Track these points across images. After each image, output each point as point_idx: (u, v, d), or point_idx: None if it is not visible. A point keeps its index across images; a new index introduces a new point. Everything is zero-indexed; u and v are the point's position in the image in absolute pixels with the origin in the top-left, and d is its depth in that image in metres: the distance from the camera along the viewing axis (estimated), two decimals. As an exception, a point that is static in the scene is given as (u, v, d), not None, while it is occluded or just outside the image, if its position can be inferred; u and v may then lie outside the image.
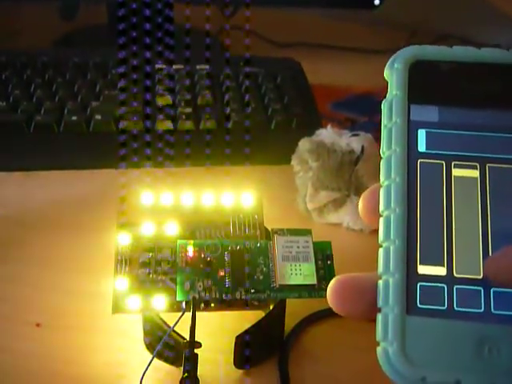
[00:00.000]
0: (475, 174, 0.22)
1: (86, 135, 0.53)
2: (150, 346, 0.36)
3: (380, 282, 0.21)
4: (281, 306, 0.35)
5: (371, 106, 0.63)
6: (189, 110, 0.56)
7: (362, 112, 0.62)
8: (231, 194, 0.38)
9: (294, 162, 0.49)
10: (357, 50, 0.74)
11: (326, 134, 0.49)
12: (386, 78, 0.24)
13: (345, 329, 0.38)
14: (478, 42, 0.71)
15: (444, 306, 0.20)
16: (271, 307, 0.35)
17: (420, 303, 0.20)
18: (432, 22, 0.77)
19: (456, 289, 0.20)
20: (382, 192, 0.22)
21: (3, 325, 0.38)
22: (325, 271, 0.35)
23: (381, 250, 0.21)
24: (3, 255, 0.43)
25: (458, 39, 0.74)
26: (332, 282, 0.22)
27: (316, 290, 0.34)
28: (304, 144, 0.48)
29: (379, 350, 0.20)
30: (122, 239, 0.36)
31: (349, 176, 0.46)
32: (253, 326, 0.34)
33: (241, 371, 0.35)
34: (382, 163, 0.22)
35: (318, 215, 0.47)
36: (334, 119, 0.59)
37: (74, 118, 0.54)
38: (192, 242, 0.35)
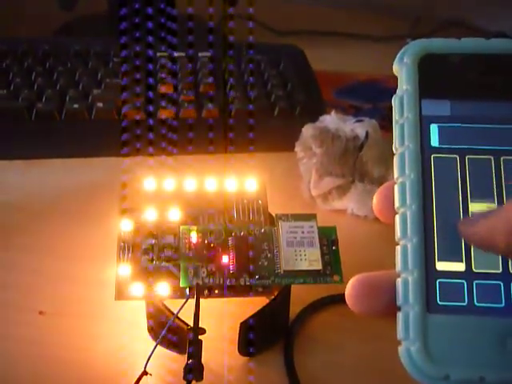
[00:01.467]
0: (490, 167, 0.22)
1: (88, 123, 0.53)
2: (154, 333, 0.35)
3: (399, 281, 0.21)
4: (285, 292, 0.35)
5: (375, 93, 0.63)
6: (191, 97, 0.55)
7: (365, 99, 0.62)
8: (234, 180, 0.37)
9: (297, 148, 0.48)
10: (360, 37, 0.73)
11: (330, 119, 0.48)
12: (396, 73, 0.23)
13: (350, 315, 0.37)
14: (482, 26, 0.70)
15: (464, 302, 0.20)
16: (276, 293, 0.35)
17: (440, 300, 0.20)
18: (435, 8, 0.76)
19: (476, 284, 0.20)
20: (396, 189, 0.22)
21: (6, 312, 0.38)
22: (330, 256, 0.34)
23: (398, 248, 0.21)
24: (6, 242, 0.42)
25: (463, 25, 0.74)
26: (350, 282, 0.22)
27: (321, 275, 0.34)
28: (308, 130, 0.48)
29: (401, 349, 0.20)
30: (125, 225, 0.35)
31: (353, 162, 0.46)
32: (257, 313, 0.34)
33: (245, 358, 0.35)
34: (396, 160, 0.22)
35: (322, 202, 0.46)
36: (338, 106, 0.59)
37: (76, 105, 0.53)
38: (195, 227, 0.35)
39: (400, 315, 0.20)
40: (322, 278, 0.34)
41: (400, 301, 0.20)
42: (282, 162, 0.51)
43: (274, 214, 0.36)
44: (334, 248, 0.35)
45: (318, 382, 0.35)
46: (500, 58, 0.23)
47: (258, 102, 0.55)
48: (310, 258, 0.34)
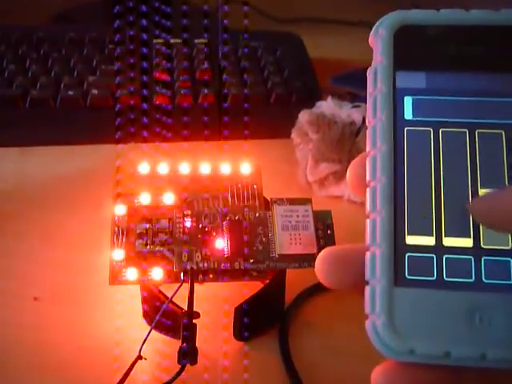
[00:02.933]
0: (464, 140, 0.21)
1: (83, 110, 0.53)
2: (149, 318, 0.35)
3: (367, 254, 0.20)
4: (280, 277, 0.35)
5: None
6: (187, 84, 0.55)
7: (363, 86, 0.60)
8: (229, 164, 0.37)
9: (294, 134, 0.48)
10: (358, 24, 0.73)
11: (327, 105, 0.48)
12: (371, 44, 0.23)
13: (345, 300, 0.37)
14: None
15: (433, 276, 0.20)
16: (270, 278, 0.34)
17: (408, 274, 0.20)
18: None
19: (445, 258, 0.20)
20: (368, 162, 0.21)
21: (1, 299, 0.37)
22: (325, 240, 0.34)
23: (368, 221, 0.21)
24: (1, 229, 0.42)
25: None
26: (320, 255, 0.21)
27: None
28: (304, 116, 0.47)
29: (367, 323, 0.19)
30: (119, 210, 0.35)
31: (350, 148, 0.46)
32: (252, 297, 0.34)
33: (240, 342, 0.35)
34: (368, 132, 0.22)
35: (318, 188, 0.46)
36: (335, 93, 0.58)
37: (71, 92, 0.53)
38: (190, 211, 0.34)
39: (367, 289, 0.20)
40: (318, 262, 0.33)
41: (368, 274, 0.20)
42: (279, 149, 0.51)
43: (269, 198, 0.36)
44: (329, 232, 0.35)
45: (313, 367, 0.35)
46: (478, 30, 0.22)
47: (255, 89, 0.55)
48: (305, 242, 0.33)
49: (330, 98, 0.49)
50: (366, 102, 0.50)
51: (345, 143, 0.45)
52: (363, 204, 0.45)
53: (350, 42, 0.68)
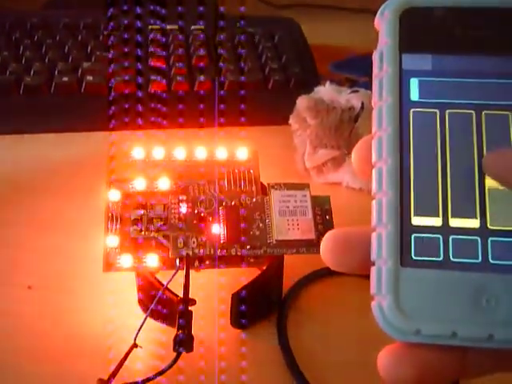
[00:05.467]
0: (471, 121, 0.21)
1: (78, 96, 0.52)
2: (144, 305, 0.35)
3: (373, 235, 0.20)
4: (278, 263, 0.34)
5: (371, 67, 0.61)
6: (183, 70, 0.54)
7: (361, 72, 0.60)
8: (225, 149, 0.36)
9: (292, 120, 0.47)
10: (357, 10, 0.72)
11: (325, 90, 0.47)
12: (377, 27, 0.23)
13: (344, 287, 0.37)
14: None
15: (440, 257, 0.19)
16: (268, 264, 0.34)
17: (415, 255, 0.20)
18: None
19: (452, 239, 0.20)
20: (373, 143, 0.21)
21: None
22: (324, 226, 0.34)
23: (374, 202, 0.21)
24: (-6, 217, 0.42)
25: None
26: (325, 237, 0.21)
27: (315, 245, 0.33)
28: (302, 101, 0.46)
29: (373, 303, 0.19)
30: (113, 196, 0.34)
31: (348, 133, 0.45)
32: (249, 284, 0.33)
33: (237, 330, 0.34)
34: (374, 114, 0.22)
35: (316, 174, 0.46)
36: (334, 80, 0.58)
37: (65, 79, 0.52)
38: (185, 197, 0.34)
39: (373, 269, 0.20)
40: (316, 248, 0.33)
41: (374, 255, 0.20)
42: (277, 135, 0.50)
43: (266, 184, 0.35)
44: (327, 218, 0.34)
45: (311, 355, 0.34)
46: (483, 12, 0.22)
47: (252, 75, 0.54)
48: (303, 228, 0.33)
49: (328, 84, 0.48)
50: (364, 88, 0.50)
51: (343, 129, 0.45)
52: (362, 191, 0.45)
53: (349, 28, 0.68)
